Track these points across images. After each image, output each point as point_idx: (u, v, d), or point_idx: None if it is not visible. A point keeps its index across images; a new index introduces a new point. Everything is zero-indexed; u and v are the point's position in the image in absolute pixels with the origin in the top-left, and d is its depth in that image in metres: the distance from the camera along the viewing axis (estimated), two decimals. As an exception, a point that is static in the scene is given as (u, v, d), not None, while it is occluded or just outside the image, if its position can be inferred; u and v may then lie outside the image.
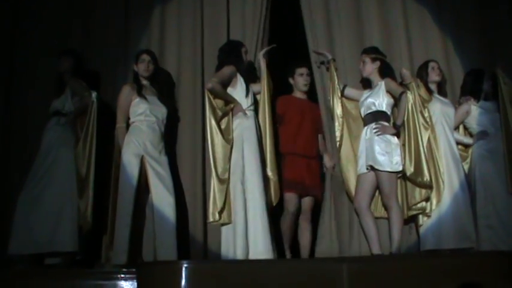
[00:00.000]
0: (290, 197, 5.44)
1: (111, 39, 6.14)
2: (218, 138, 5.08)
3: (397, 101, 5.30)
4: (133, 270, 4.32)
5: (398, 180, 5.22)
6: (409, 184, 5.20)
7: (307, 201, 5.56)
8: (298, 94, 5.77)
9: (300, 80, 5.71)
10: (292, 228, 5.48)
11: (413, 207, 5.18)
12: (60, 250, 5.20)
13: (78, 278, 4.64)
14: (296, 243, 5.56)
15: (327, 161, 5.67)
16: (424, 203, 5.19)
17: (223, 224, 5.04)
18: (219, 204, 4.98)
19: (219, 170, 5.06)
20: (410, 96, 5.24)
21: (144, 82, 5.43)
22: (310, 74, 5.74)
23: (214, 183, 5.05)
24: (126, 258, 4.86)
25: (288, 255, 5.38)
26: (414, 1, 6.08)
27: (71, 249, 5.19)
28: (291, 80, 5.78)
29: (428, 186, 5.17)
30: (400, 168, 5.12)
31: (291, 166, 5.53)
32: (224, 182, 5.04)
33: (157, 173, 5.13)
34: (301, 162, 5.55)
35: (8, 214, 5.32)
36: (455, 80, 5.93)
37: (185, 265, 3.76)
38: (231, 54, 5.36)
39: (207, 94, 5.13)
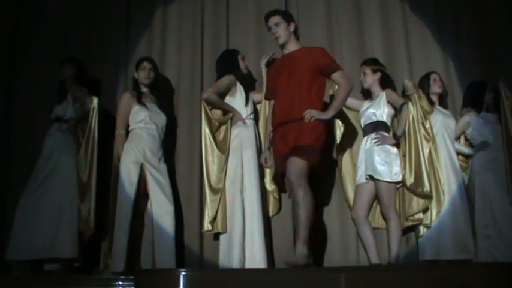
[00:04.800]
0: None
1: (112, 46, 6.20)
2: (212, 148, 5.13)
3: (397, 111, 5.32)
4: (131, 277, 4.31)
5: (397, 191, 5.22)
6: (407, 194, 5.21)
7: (286, 164, 4.61)
8: (285, 50, 4.93)
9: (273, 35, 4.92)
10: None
11: (411, 218, 5.19)
12: (60, 256, 5.21)
13: (76, 284, 4.62)
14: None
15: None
16: (421, 214, 5.20)
17: (217, 233, 5.08)
18: (211, 214, 5.01)
19: (213, 179, 5.10)
20: (411, 107, 5.25)
21: (144, 89, 5.46)
22: (285, 21, 4.88)
23: (207, 193, 5.08)
24: (124, 265, 4.89)
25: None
26: (414, 14, 6.13)
27: (70, 256, 5.20)
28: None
29: (429, 197, 5.17)
30: (400, 179, 5.12)
31: (273, 143, 4.85)
32: (218, 191, 5.08)
33: (157, 181, 5.15)
34: (280, 133, 4.74)
35: (8, 219, 5.34)
36: (455, 92, 5.95)
37: (183, 273, 3.74)
38: (229, 63, 5.38)
39: (203, 104, 5.18)
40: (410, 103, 5.25)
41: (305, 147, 4.56)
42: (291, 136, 4.63)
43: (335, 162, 5.54)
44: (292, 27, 4.92)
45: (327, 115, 4.68)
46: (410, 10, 6.14)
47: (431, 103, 5.61)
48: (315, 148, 4.62)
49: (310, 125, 4.58)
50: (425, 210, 5.20)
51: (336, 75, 4.79)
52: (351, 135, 5.49)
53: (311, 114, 4.58)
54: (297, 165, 4.52)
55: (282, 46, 4.91)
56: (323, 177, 5.61)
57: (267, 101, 5.41)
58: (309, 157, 4.57)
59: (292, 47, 4.89)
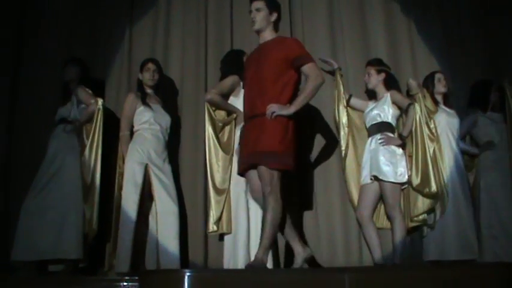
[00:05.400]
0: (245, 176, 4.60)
1: (116, 47, 6.19)
2: (216, 149, 5.12)
3: (403, 112, 5.31)
4: (136, 278, 4.32)
5: (402, 191, 5.21)
6: (412, 195, 5.19)
7: (257, 170, 4.41)
8: (261, 39, 4.73)
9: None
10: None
11: (416, 218, 5.17)
12: (64, 257, 5.20)
13: (81, 285, 4.62)
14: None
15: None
16: (425, 215, 5.18)
17: (221, 234, 5.08)
18: (216, 215, 5.01)
19: (217, 180, 5.10)
20: (418, 107, 5.23)
21: (149, 91, 5.48)
22: (268, 9, 4.68)
23: (211, 194, 5.08)
24: (129, 266, 4.91)
25: None
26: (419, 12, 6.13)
27: (74, 257, 5.18)
28: None
29: (435, 197, 5.16)
30: (404, 180, 5.12)
31: (241, 139, 4.73)
32: (222, 192, 5.08)
33: (161, 182, 5.16)
34: (246, 129, 4.59)
35: (12, 221, 5.34)
36: (459, 91, 5.93)
37: (188, 274, 3.74)
38: (233, 64, 5.35)
39: (206, 105, 5.17)
40: (416, 104, 5.24)
41: (270, 154, 4.32)
42: (253, 134, 4.42)
43: (338, 163, 5.53)
44: (273, 17, 4.70)
45: (289, 111, 4.38)
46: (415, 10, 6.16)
47: (436, 103, 5.58)
48: (282, 153, 4.35)
49: (272, 125, 4.35)
50: (429, 211, 5.18)
51: (305, 68, 4.50)
52: (355, 136, 5.48)
53: (272, 109, 4.35)
54: (265, 173, 4.31)
55: (258, 33, 4.72)
56: (327, 178, 5.62)
57: None
58: (275, 164, 4.32)
59: (267, 36, 4.69)
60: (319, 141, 5.69)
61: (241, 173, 4.62)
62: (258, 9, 4.67)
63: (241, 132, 4.78)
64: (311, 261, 4.56)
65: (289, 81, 4.52)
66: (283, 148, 4.37)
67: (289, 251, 5.35)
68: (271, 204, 4.28)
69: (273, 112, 4.35)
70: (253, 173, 4.46)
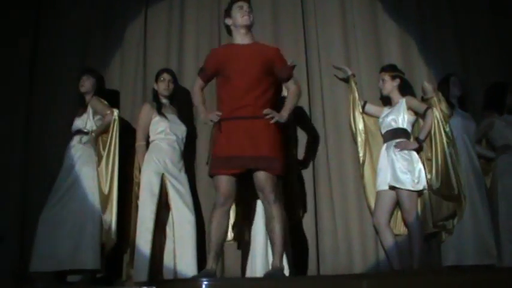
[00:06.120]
0: (216, 180, 4.46)
1: (130, 57, 6.23)
2: None
3: (419, 117, 5.30)
4: (154, 287, 4.33)
5: (418, 197, 5.18)
6: (433, 200, 5.16)
7: (258, 177, 4.38)
8: (239, 38, 4.68)
9: (238, 15, 4.64)
10: (221, 227, 4.45)
11: (439, 223, 5.13)
12: (82, 268, 5.20)
13: (99, 295, 4.67)
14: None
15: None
16: (445, 222, 5.15)
17: (239, 242, 5.07)
18: (233, 223, 4.99)
19: None
20: (436, 112, 5.21)
21: (164, 101, 5.50)
22: (252, 12, 4.72)
23: None
24: (147, 275, 4.90)
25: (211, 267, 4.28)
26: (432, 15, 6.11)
27: (92, 267, 5.18)
28: (228, 21, 4.72)
29: (457, 199, 5.13)
30: (421, 188, 5.10)
31: (222, 137, 4.50)
32: None
33: (177, 191, 5.17)
34: (237, 127, 4.42)
35: (30, 232, 5.36)
36: (473, 94, 5.91)
37: (205, 283, 3.75)
38: None
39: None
40: (434, 108, 5.21)
41: (274, 160, 4.36)
42: (247, 136, 4.39)
43: (355, 168, 5.53)
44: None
45: (284, 117, 4.47)
46: (427, 15, 6.14)
47: (451, 106, 5.55)
48: (281, 159, 4.43)
49: (271, 130, 4.41)
50: (450, 217, 5.15)
51: (290, 82, 4.69)
52: (371, 142, 5.47)
53: (273, 115, 4.40)
54: (270, 180, 4.35)
55: (246, 28, 4.66)
56: (344, 184, 5.60)
57: None
58: (277, 170, 4.37)
59: (248, 39, 4.68)
60: (333, 148, 5.68)
61: (219, 174, 4.46)
62: (251, 11, 4.72)
63: (217, 131, 4.61)
64: None
65: (276, 86, 4.67)
66: (282, 153, 4.48)
67: (301, 256, 5.37)
68: (277, 211, 4.36)
69: (273, 117, 4.40)
70: (230, 179, 4.43)
